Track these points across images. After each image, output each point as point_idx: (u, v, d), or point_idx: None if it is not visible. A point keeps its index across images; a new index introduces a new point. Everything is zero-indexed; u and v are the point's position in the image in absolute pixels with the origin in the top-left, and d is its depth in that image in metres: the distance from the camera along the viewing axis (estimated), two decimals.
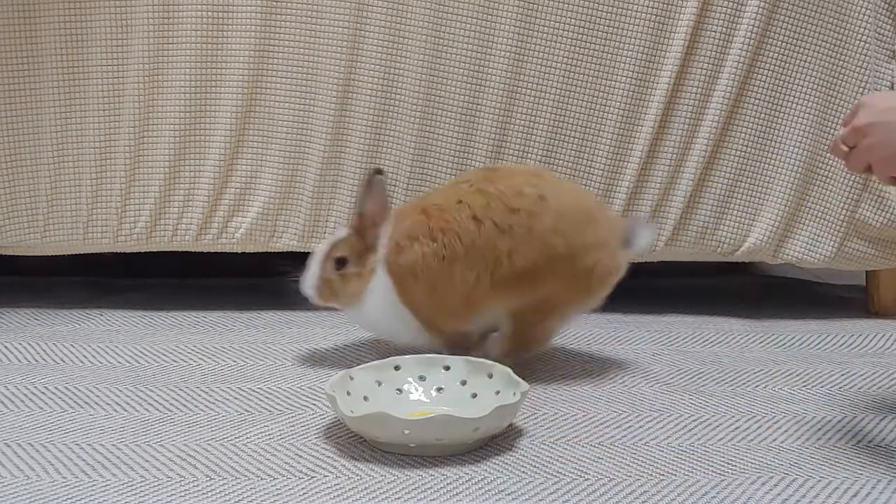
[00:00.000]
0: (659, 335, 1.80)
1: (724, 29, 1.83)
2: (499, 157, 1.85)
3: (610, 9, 1.83)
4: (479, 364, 1.40)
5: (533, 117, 1.85)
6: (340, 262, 1.56)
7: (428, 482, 1.17)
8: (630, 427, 1.36)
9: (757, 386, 1.54)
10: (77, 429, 1.34)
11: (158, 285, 2.12)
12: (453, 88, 1.84)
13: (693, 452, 1.27)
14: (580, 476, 1.20)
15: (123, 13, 1.82)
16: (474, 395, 1.37)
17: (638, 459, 1.25)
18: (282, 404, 1.44)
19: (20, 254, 1.89)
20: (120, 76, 1.83)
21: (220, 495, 1.14)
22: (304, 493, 1.14)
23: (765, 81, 1.86)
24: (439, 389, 1.39)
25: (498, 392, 1.35)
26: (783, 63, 1.86)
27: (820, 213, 1.89)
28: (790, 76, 1.87)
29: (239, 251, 1.89)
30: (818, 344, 1.77)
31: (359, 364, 1.42)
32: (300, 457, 1.25)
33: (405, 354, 1.43)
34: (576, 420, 1.38)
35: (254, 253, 1.91)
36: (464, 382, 1.39)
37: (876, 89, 1.86)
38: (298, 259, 1.58)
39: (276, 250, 1.88)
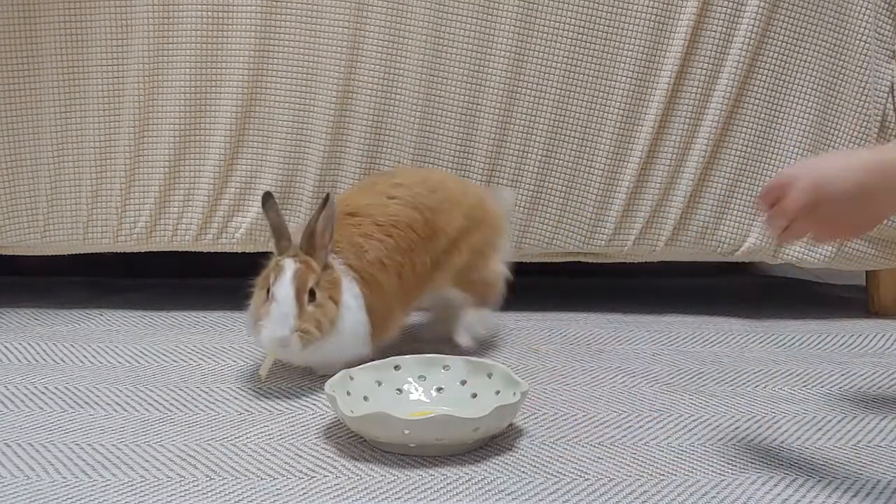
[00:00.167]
0: (659, 335, 1.80)
1: (724, 29, 1.83)
2: (499, 157, 1.85)
3: (610, 9, 1.83)
4: (479, 364, 1.40)
5: (533, 117, 1.85)
6: (312, 294, 1.43)
7: (428, 482, 1.17)
8: (630, 427, 1.36)
9: (757, 386, 1.54)
10: (77, 429, 1.34)
11: (158, 285, 2.12)
12: (453, 88, 1.84)
13: (693, 452, 1.27)
14: (580, 476, 1.20)
15: (123, 13, 1.82)
16: (474, 395, 1.37)
17: (638, 459, 1.25)
18: (282, 404, 1.44)
19: (20, 254, 1.89)
20: (120, 76, 1.83)
21: (220, 495, 1.14)
22: (304, 493, 1.14)
23: (765, 81, 1.86)
24: (439, 389, 1.39)
25: (498, 392, 1.35)
26: (783, 63, 1.86)
27: None
28: (790, 76, 1.87)
29: (239, 251, 1.89)
30: (818, 344, 1.77)
31: (359, 364, 1.42)
32: (300, 457, 1.25)
33: (405, 355, 1.43)
34: (576, 420, 1.38)
35: (254, 253, 1.91)
36: (464, 382, 1.39)
37: (876, 89, 1.86)
38: None
39: None
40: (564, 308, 1.95)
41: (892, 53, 1.87)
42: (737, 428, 1.36)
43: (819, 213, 1.19)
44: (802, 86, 1.87)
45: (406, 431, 1.22)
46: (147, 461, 1.23)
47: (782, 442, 1.31)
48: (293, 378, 1.55)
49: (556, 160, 1.86)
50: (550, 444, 1.29)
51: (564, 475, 1.20)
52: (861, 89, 1.86)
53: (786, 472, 1.21)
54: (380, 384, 1.38)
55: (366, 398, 1.36)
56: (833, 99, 1.87)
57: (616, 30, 1.83)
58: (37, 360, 1.63)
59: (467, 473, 1.20)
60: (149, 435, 1.32)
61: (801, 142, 1.87)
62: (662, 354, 1.70)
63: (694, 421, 1.38)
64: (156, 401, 1.45)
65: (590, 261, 1.93)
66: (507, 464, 1.23)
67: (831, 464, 1.24)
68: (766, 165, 1.88)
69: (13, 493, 1.14)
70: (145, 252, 1.91)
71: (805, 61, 1.86)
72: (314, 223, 1.45)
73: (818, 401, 1.47)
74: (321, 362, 1.50)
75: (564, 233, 1.88)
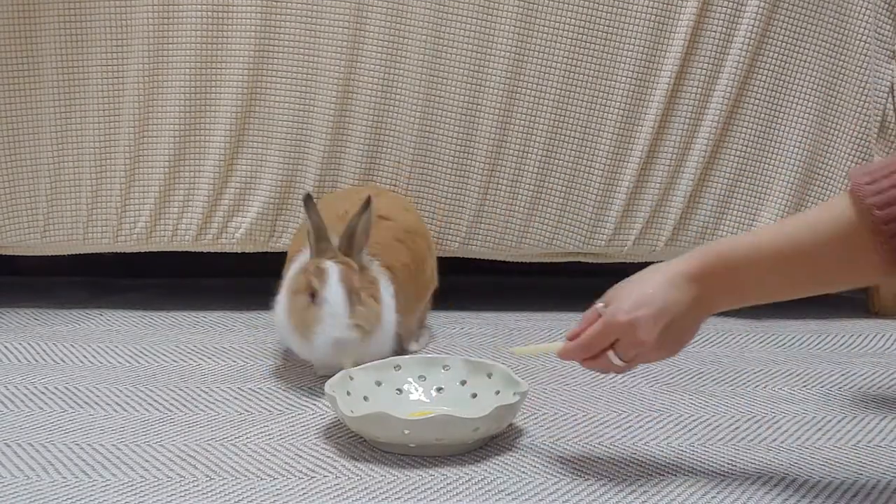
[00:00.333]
0: None
1: (724, 29, 1.84)
2: (499, 157, 1.85)
3: (610, 9, 1.83)
4: (479, 364, 1.40)
5: (533, 117, 1.85)
6: (357, 295, 1.42)
7: (428, 482, 1.17)
8: (630, 427, 1.36)
9: (757, 386, 1.54)
10: (77, 429, 1.34)
11: (158, 285, 2.12)
12: (453, 88, 1.84)
13: (693, 452, 1.27)
14: (580, 476, 1.20)
15: (123, 13, 1.82)
16: (474, 395, 1.37)
17: (638, 459, 1.25)
18: (282, 404, 1.44)
19: (20, 254, 1.89)
20: (120, 76, 1.83)
21: (220, 495, 1.14)
22: (304, 493, 1.14)
23: (765, 81, 1.86)
24: (439, 389, 1.39)
25: (498, 392, 1.35)
26: (783, 63, 1.86)
27: None
28: (790, 76, 1.87)
29: (239, 251, 1.89)
30: (818, 344, 1.77)
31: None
32: (300, 457, 1.25)
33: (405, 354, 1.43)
34: (576, 420, 1.38)
35: (253, 253, 1.91)
36: (464, 382, 1.39)
37: (876, 89, 1.86)
38: None
39: (276, 250, 1.87)
40: (564, 308, 1.95)
41: (892, 53, 1.87)
42: (737, 428, 1.36)
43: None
44: (802, 86, 1.87)
45: (406, 431, 1.22)
46: (147, 461, 1.23)
47: (782, 442, 1.31)
48: (293, 378, 1.55)
49: (556, 160, 1.86)
50: (550, 444, 1.29)
51: (564, 475, 1.20)
52: (861, 89, 1.86)
53: (786, 472, 1.21)
54: (380, 384, 1.38)
55: (366, 398, 1.35)
56: (833, 99, 1.87)
57: (616, 30, 1.83)
58: (37, 360, 1.63)
59: (467, 473, 1.20)
60: (149, 435, 1.32)
61: (801, 142, 1.87)
62: None
63: (694, 421, 1.38)
64: (156, 401, 1.45)
65: (590, 261, 1.93)
66: (507, 464, 1.23)
67: (831, 464, 1.24)
68: (766, 165, 1.88)
69: (13, 493, 1.14)
70: (145, 252, 1.91)
71: (805, 61, 1.86)
72: (355, 225, 1.45)
73: (818, 401, 1.47)
74: (359, 362, 1.43)
75: (564, 233, 1.88)
